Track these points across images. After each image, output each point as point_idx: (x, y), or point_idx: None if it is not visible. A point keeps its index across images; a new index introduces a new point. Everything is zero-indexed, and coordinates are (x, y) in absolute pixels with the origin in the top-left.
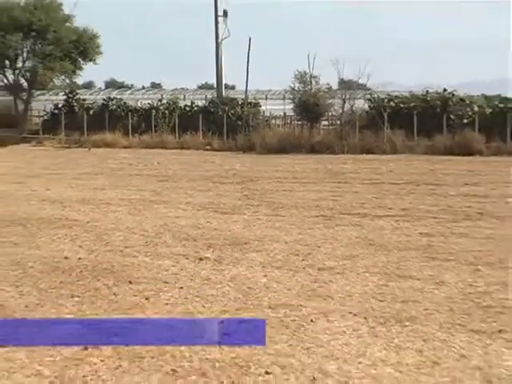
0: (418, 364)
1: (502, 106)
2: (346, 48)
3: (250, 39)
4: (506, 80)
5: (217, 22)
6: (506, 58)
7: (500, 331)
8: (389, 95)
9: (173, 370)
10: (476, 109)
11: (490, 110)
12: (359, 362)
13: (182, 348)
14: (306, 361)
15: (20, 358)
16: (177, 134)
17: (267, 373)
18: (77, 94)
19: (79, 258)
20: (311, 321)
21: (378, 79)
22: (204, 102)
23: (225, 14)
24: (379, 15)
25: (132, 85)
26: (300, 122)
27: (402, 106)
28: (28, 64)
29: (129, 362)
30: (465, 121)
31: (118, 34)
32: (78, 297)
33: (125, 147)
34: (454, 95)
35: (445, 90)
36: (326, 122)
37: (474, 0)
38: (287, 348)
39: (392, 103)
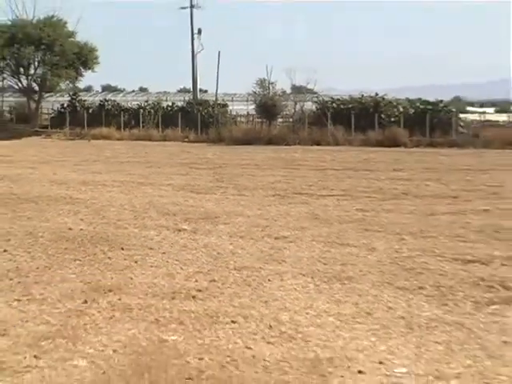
0: (354, 314)
1: (422, 107)
2: (298, 58)
3: (219, 53)
4: (430, 86)
5: (192, 39)
6: (428, 70)
7: (420, 288)
8: (332, 98)
9: (156, 319)
10: (401, 109)
11: (413, 111)
12: (307, 313)
13: (164, 301)
14: (264, 312)
15: (32, 309)
16: (160, 129)
17: (233, 322)
18: (79, 96)
19: (80, 229)
20: (268, 280)
21: (324, 85)
22: (182, 103)
23: (199, 31)
24: (330, 31)
25: (124, 88)
26: (260, 120)
27: (342, 107)
28: (39, 71)
29: (120, 313)
30: (392, 119)
31: (113, 46)
32: (80, 260)
33: (118, 139)
34: (383, 98)
35: (376, 94)
36: (281, 120)
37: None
38: (249, 302)
39: (334, 105)
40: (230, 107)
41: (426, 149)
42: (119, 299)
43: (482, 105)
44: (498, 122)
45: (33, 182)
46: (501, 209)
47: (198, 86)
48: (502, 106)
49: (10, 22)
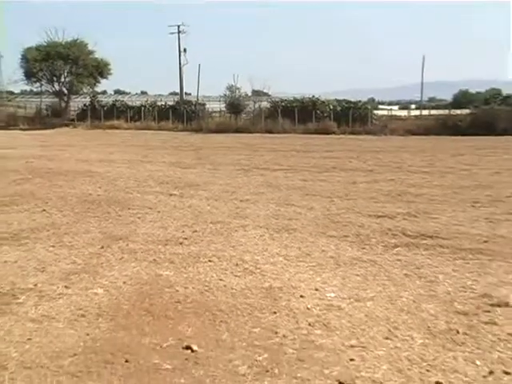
0: (298, 255)
1: (346, 105)
2: (257, 68)
3: (199, 66)
4: (353, 90)
5: (179, 56)
6: (351, 77)
7: (345, 236)
8: (281, 99)
9: (154, 259)
10: (331, 107)
11: (340, 108)
12: (263, 254)
13: (160, 246)
14: (232, 254)
15: (63, 252)
16: (156, 122)
17: (209, 261)
18: (97, 97)
19: (98, 194)
20: (235, 231)
21: (276, 89)
22: (173, 102)
23: (184, 50)
24: (277, 51)
25: (130, 92)
26: (229, 115)
27: (289, 105)
28: (67, 79)
29: (128, 255)
30: (325, 114)
31: (123, 60)
32: (98, 217)
33: (125, 129)
34: (318, 99)
35: (313, 96)
36: (244, 115)
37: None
38: (221, 246)
39: (283, 104)
40: (207, 105)
41: (349, 136)
42: (127, 245)
43: (389, 104)
44: (400, 116)
45: (63, 160)
46: (402, 179)
47: (184, 90)
48: (403, 105)
49: (45, 43)
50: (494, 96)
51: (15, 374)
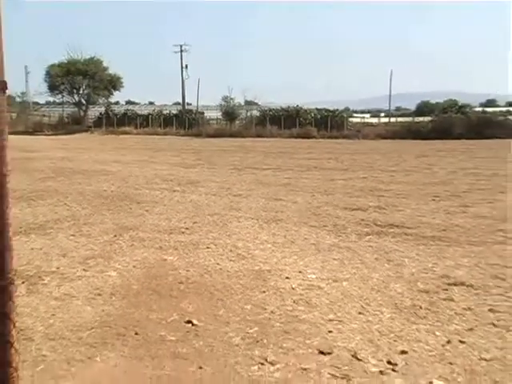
0: (284, 242)
1: (325, 113)
2: (248, 81)
3: (198, 80)
4: (330, 101)
5: (182, 71)
6: (330, 89)
7: (324, 226)
8: (269, 108)
9: (159, 246)
10: (313, 115)
11: (320, 116)
12: (254, 242)
13: (165, 235)
14: (227, 241)
15: (82, 241)
16: (162, 128)
17: (208, 247)
18: (111, 107)
19: (112, 191)
20: (230, 221)
21: (265, 99)
22: (176, 111)
23: (186, 66)
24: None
25: (139, 102)
26: (225, 122)
27: (276, 113)
28: (85, 91)
29: (137, 243)
30: (307, 121)
31: (133, 74)
32: (112, 210)
33: (135, 134)
34: (301, 108)
35: (297, 105)
36: (238, 122)
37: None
38: (218, 235)
39: (271, 112)
40: (206, 114)
41: (328, 140)
42: (136, 234)
43: (362, 112)
44: (371, 123)
45: (82, 161)
46: (373, 176)
47: (186, 101)
48: (374, 113)
49: (66, 61)
50: (451, 106)
51: (41, 345)
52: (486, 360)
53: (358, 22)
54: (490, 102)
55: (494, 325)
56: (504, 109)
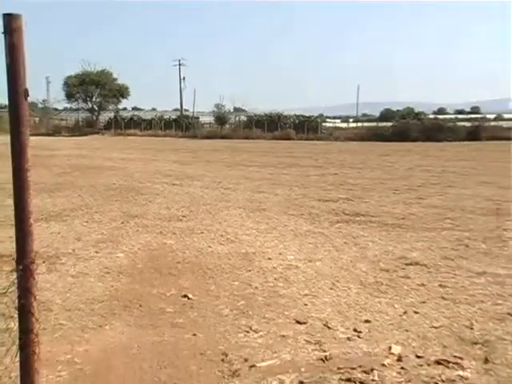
0: (266, 229)
1: (303, 119)
2: (237, 90)
3: (194, 90)
4: (306, 108)
5: (180, 82)
6: (306, 97)
7: (301, 214)
8: (255, 114)
9: (160, 231)
10: (292, 120)
11: (298, 121)
12: (241, 228)
13: (165, 222)
14: (218, 227)
15: (94, 227)
16: (163, 131)
17: (201, 233)
18: (119, 112)
19: (119, 184)
20: (221, 211)
21: (252, 106)
22: (175, 116)
23: (183, 78)
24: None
25: (143, 108)
26: (216, 126)
27: (260, 118)
28: (97, 99)
29: (141, 228)
30: (287, 125)
31: (139, 84)
32: (119, 200)
33: (140, 136)
34: (282, 114)
35: (278, 112)
36: (228, 126)
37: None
38: (210, 222)
39: (256, 117)
40: (200, 119)
41: (304, 141)
42: (141, 221)
43: (334, 118)
44: (342, 127)
45: (94, 158)
46: (343, 173)
47: (184, 107)
48: (344, 119)
49: (81, 73)
50: (408, 113)
51: (59, 315)
52: (435, 328)
53: (330, 41)
54: (441, 111)
55: (443, 298)
56: (453, 116)
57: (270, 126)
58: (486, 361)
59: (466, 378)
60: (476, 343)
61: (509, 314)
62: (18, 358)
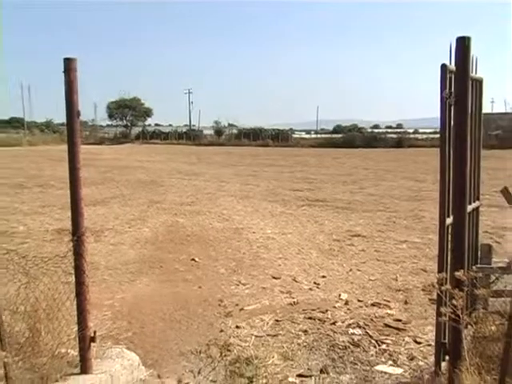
0: (252, 211)
1: (278, 131)
2: (232, 109)
3: (199, 111)
4: (282, 123)
5: (189, 106)
6: (280, 114)
7: (277, 201)
8: (244, 128)
9: (175, 213)
10: (270, 132)
11: (274, 132)
12: (233, 210)
13: (178, 206)
14: (216, 210)
15: (127, 209)
16: (177, 140)
17: (204, 214)
18: (145, 127)
19: (145, 179)
20: (218, 198)
21: (241, 122)
22: (186, 130)
23: (192, 103)
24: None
25: (163, 124)
26: (216, 136)
27: (247, 131)
28: (130, 118)
29: (161, 211)
30: (267, 136)
31: (160, 107)
32: (145, 191)
33: (160, 145)
34: (263, 128)
35: (260, 126)
36: (223, 136)
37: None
38: (211, 206)
39: (244, 130)
40: (204, 131)
41: (279, 148)
42: (160, 205)
43: (300, 131)
44: (306, 137)
45: (127, 160)
46: (306, 170)
47: (192, 123)
48: (308, 131)
49: (118, 99)
50: (353, 128)
51: (103, 272)
52: (372, 280)
53: (298, 65)
54: (376, 126)
55: (377, 259)
56: (384, 130)
57: (255, 136)
58: (406, 302)
59: (392, 315)
60: (399, 290)
61: (422, 269)
62: (75, 302)
